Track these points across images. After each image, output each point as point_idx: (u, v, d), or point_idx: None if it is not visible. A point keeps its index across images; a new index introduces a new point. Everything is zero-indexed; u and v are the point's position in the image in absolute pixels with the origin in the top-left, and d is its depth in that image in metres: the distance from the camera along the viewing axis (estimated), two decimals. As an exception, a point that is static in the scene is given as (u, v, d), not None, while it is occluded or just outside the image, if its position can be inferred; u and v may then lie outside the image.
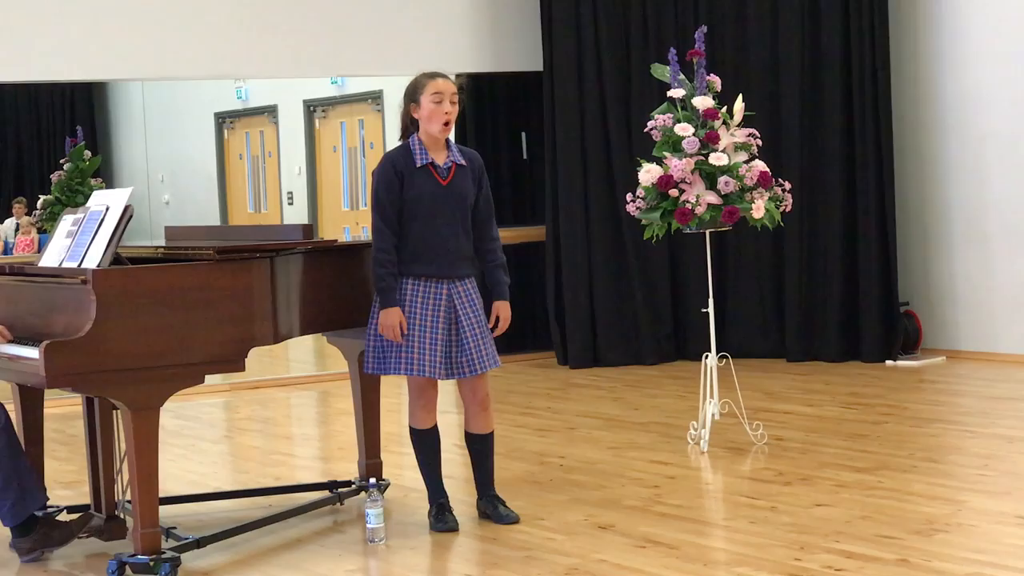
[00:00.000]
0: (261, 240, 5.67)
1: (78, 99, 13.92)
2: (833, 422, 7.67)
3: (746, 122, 7.09)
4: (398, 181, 5.52)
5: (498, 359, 5.67)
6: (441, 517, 5.66)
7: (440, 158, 5.58)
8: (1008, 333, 9.63)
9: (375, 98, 13.39)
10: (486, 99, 11.42)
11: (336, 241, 6.11)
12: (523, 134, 11.40)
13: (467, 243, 5.61)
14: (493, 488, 5.79)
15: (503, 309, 5.67)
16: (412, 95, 5.59)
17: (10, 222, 12.54)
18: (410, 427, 5.69)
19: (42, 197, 11.84)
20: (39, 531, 5.42)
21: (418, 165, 5.53)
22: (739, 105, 7.05)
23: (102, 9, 9.51)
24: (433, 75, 5.60)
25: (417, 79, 5.61)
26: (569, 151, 10.37)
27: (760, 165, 6.94)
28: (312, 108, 14.09)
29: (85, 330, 4.86)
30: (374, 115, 13.50)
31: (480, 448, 5.76)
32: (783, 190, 7.02)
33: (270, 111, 14.41)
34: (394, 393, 9.05)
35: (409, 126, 5.64)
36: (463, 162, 5.62)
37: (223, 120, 14.74)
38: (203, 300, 5.10)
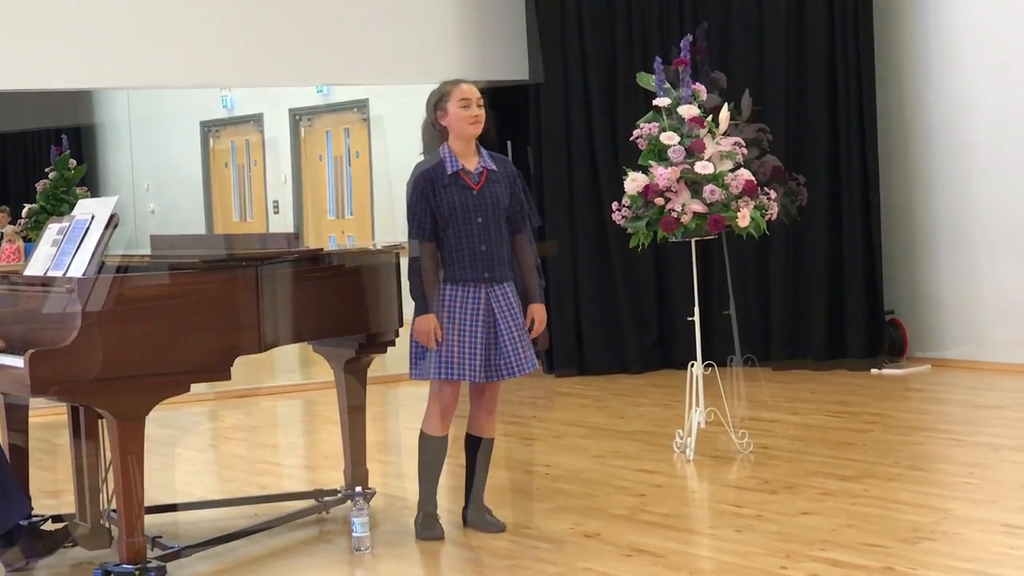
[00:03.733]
0: (246, 249, 5.65)
1: (64, 107, 13.88)
2: (818, 430, 7.68)
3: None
4: (430, 190, 5.52)
5: (535, 361, 5.68)
6: (428, 525, 5.65)
7: (471, 164, 5.58)
8: (993, 342, 9.64)
9: (361, 107, 13.38)
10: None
11: (322, 250, 6.10)
12: (508, 143, 11.38)
13: (503, 247, 5.61)
14: (482, 498, 5.79)
15: (538, 311, 5.67)
16: (438, 103, 5.58)
17: (-5, 231, 12.52)
18: (421, 431, 5.67)
19: (27, 206, 11.83)
20: (24, 541, 5.40)
21: (449, 173, 5.53)
22: (724, 114, 7.06)
23: (87, 17, 9.49)
24: (456, 81, 5.60)
25: (441, 87, 5.60)
26: (555, 160, 10.37)
27: (745, 174, 6.95)
28: (298, 117, 14.08)
29: (70, 339, 4.84)
30: (360, 124, 13.50)
31: (478, 452, 5.75)
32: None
33: (256, 120, 14.40)
34: (379, 402, 9.05)
35: (436, 136, 5.61)
36: (494, 167, 5.62)
37: (209, 129, 14.73)
38: (188, 309, 5.09)
